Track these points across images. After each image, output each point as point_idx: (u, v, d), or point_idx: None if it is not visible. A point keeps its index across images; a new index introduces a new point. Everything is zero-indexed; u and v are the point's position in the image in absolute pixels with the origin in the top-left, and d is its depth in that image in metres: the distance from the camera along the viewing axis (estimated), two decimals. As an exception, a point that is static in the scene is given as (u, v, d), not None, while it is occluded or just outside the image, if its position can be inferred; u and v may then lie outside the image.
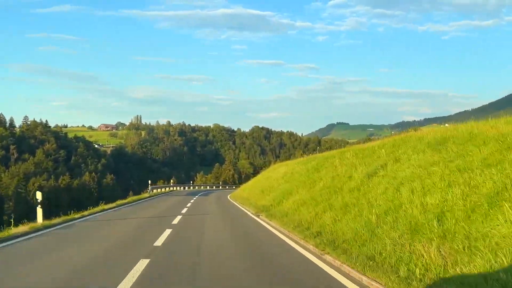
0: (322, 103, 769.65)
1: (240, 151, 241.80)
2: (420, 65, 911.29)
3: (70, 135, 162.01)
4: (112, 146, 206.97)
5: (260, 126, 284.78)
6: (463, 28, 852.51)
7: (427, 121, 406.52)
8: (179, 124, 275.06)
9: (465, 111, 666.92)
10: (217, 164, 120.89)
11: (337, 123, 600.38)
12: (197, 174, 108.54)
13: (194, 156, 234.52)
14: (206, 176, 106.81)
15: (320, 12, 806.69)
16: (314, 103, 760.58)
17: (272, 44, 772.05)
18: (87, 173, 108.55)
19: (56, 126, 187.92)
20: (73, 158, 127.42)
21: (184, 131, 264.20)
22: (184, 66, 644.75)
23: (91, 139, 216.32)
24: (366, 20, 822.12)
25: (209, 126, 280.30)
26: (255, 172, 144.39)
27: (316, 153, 44.82)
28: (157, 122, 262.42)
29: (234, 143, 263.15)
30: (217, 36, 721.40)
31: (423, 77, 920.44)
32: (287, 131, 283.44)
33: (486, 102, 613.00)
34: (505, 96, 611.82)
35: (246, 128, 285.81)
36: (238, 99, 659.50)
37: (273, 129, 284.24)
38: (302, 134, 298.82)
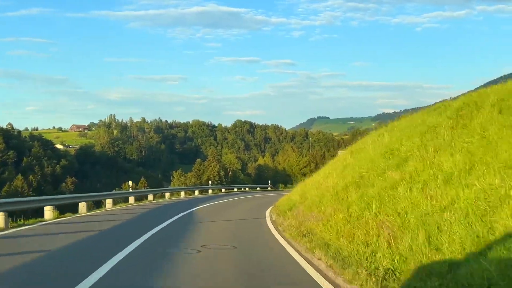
0: (301, 98, 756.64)
1: (222, 147, 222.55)
2: (395, 57, 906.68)
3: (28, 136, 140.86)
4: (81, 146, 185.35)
5: (243, 120, 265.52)
6: (436, 19, 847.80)
7: (406, 112, 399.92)
8: (155, 120, 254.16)
9: (443, 101, 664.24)
10: (198, 160, 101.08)
11: (317, 117, 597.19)
12: (175, 172, 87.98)
13: (173, 154, 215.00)
14: (185, 174, 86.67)
15: (294, 7, 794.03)
16: (292, 99, 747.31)
17: (247, 41, 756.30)
18: (19, 177, 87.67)
19: (25, 129, 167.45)
20: (24, 159, 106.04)
21: (161, 128, 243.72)
22: (158, 65, 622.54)
23: (57, 140, 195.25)
24: (341, 14, 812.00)
25: (188, 122, 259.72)
26: (244, 168, 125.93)
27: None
28: (131, 118, 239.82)
29: (215, 138, 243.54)
30: (191, 34, 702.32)
31: (398, 70, 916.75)
32: (272, 125, 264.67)
33: (461, 92, 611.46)
34: (481, 86, 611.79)
35: (226, 124, 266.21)
36: (215, 97, 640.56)
37: (256, 123, 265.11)
38: (285, 128, 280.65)
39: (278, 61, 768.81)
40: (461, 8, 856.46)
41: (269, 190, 66.67)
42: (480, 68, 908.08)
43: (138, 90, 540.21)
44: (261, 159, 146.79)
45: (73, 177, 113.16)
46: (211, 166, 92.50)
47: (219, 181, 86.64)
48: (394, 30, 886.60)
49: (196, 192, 42.86)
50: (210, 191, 47.87)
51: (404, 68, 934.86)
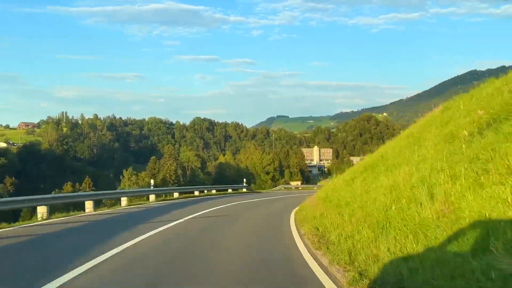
0: (260, 97, 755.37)
1: (180, 145, 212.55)
2: (352, 58, 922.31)
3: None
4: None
5: (202, 117, 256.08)
6: (392, 21, 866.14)
7: (364, 111, 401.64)
8: (108, 118, 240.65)
9: (399, 100, 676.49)
10: (153, 158, 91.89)
11: (277, 116, 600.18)
12: (125, 171, 78.40)
13: (127, 153, 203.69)
14: (138, 174, 77.38)
15: (253, 6, 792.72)
16: (252, 98, 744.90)
17: (206, 39, 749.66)
18: None
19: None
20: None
21: (115, 126, 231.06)
22: (115, 63, 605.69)
23: (1, 138, 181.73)
24: (299, 14, 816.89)
25: (144, 119, 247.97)
26: (204, 167, 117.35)
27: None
28: (82, 115, 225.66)
29: (173, 136, 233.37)
30: (149, 31, 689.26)
31: (356, 70, 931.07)
32: (232, 122, 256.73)
33: (416, 92, 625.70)
34: (435, 86, 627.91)
35: (185, 122, 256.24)
36: (174, 96, 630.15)
37: (216, 121, 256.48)
38: (246, 126, 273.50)
39: (238, 60, 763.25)
40: (416, 10, 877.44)
41: (244, 193, 47.56)
42: (433, 69, 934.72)
43: (93, 88, 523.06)
44: (222, 157, 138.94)
45: (13, 177, 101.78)
46: (167, 164, 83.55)
47: (176, 181, 77.96)
48: (351, 31, 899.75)
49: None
50: (152, 197, 29.64)
51: (361, 69, 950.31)
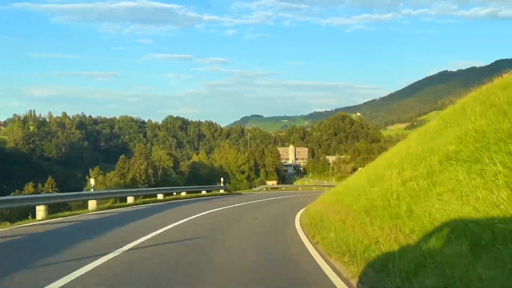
0: (235, 96, 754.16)
1: (152, 144, 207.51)
2: (326, 58, 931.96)
3: None
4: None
5: (175, 115, 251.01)
6: (365, 22, 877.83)
7: (338, 111, 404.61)
8: (77, 116, 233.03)
9: (372, 100, 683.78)
10: (122, 156, 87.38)
11: (251, 115, 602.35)
12: (91, 170, 73.76)
13: (97, 152, 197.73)
14: (105, 174, 72.99)
15: (226, 5, 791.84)
16: (226, 97, 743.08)
17: (180, 38, 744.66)
18: None
19: None
20: None
21: (84, 124, 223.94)
22: (86, 61, 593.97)
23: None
24: (273, 14, 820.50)
25: (115, 118, 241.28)
26: (176, 166, 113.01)
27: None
28: (50, 113, 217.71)
29: (145, 135, 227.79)
30: (120, 30, 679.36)
31: (330, 70, 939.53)
32: (206, 121, 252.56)
33: (389, 92, 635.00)
34: (408, 86, 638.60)
35: (158, 120, 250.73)
36: (147, 95, 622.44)
37: (189, 120, 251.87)
38: (220, 125, 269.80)
39: (212, 59, 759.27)
40: (388, 11, 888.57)
41: (221, 195, 39.09)
42: (406, 69, 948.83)
43: (65, 87, 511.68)
44: (195, 156, 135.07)
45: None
46: (137, 163, 79.30)
47: (146, 181, 73.90)
48: (325, 31, 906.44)
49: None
50: (92, 203, 21.17)
51: (336, 69, 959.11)
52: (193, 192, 37.18)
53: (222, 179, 48.66)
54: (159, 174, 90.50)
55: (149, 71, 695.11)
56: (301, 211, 17.87)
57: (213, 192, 40.22)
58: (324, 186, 70.70)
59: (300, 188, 73.30)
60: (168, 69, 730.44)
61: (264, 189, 71.95)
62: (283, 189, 71.73)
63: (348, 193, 13.47)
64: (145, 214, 17.52)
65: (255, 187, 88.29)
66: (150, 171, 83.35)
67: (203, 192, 38.00)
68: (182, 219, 14.38)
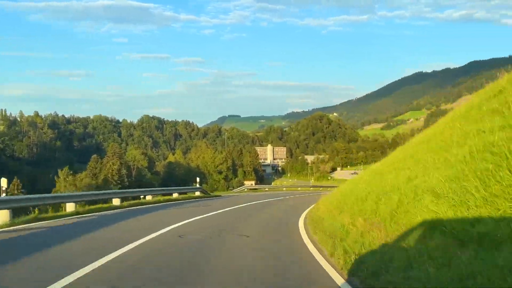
0: (212, 96, 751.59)
1: (127, 144, 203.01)
2: (303, 58, 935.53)
3: None
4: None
5: (151, 115, 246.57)
6: (341, 23, 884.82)
7: (315, 111, 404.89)
8: (50, 115, 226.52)
9: (349, 101, 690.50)
10: (94, 156, 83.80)
11: (228, 115, 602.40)
12: (60, 171, 70.07)
13: (70, 152, 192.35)
14: (75, 174, 69.53)
15: (204, 5, 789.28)
16: (203, 97, 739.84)
17: (157, 37, 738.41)
18: None
19: None
20: None
21: (57, 123, 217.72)
22: (61, 60, 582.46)
23: None
24: (250, 14, 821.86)
25: (89, 117, 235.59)
26: (152, 166, 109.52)
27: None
28: (21, 112, 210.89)
29: (120, 135, 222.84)
30: (97, 29, 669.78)
31: (307, 70, 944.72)
32: (183, 121, 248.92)
33: (365, 93, 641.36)
34: (384, 86, 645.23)
35: (133, 120, 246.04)
36: (123, 95, 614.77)
37: (166, 119, 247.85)
38: (197, 125, 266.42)
39: (189, 59, 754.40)
40: (364, 13, 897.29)
41: (197, 198, 33.00)
42: (382, 70, 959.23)
43: (38, 86, 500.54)
44: (171, 156, 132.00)
45: None
46: (109, 163, 75.99)
47: (119, 181, 70.73)
48: (302, 31, 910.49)
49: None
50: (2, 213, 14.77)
51: (312, 69, 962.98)
52: (164, 195, 30.93)
53: (198, 179, 41.43)
54: (133, 174, 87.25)
55: (125, 70, 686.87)
56: (302, 219, 14.56)
57: (188, 195, 34.05)
58: (310, 187, 67.99)
59: (284, 189, 68.79)
60: (144, 68, 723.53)
61: (246, 190, 65.73)
62: (266, 190, 65.97)
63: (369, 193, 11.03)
64: (62, 236, 10.75)
65: (233, 187, 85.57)
66: (124, 171, 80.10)
67: (175, 195, 31.22)
68: (120, 249, 8.06)
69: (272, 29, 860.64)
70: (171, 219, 14.20)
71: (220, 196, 40.84)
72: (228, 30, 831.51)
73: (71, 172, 68.51)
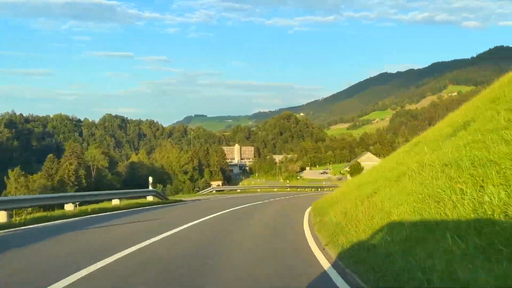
0: (178, 96, 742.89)
1: (89, 144, 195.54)
2: (270, 58, 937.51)
3: None
4: None
5: (113, 114, 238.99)
6: (307, 23, 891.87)
7: (282, 111, 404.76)
8: (7, 113, 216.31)
9: (315, 101, 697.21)
10: (50, 155, 78.18)
11: (194, 115, 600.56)
12: (10, 171, 64.43)
13: (29, 152, 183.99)
14: (29, 175, 64.16)
15: (168, 3, 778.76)
16: (169, 96, 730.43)
17: (120, 36, 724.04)
18: None
19: None
20: None
21: (14, 122, 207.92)
22: (19, 58, 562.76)
23: None
24: (216, 13, 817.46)
25: (48, 116, 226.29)
26: (114, 166, 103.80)
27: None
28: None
29: (81, 134, 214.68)
30: (57, 26, 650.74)
31: (273, 70, 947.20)
32: (147, 120, 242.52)
33: (331, 93, 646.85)
34: (350, 87, 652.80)
35: (96, 119, 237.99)
36: (85, 94, 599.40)
37: (129, 118, 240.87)
38: (162, 124, 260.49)
39: (154, 58, 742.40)
40: (330, 14, 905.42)
41: (148, 205, 22.28)
42: (348, 70, 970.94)
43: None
44: (134, 156, 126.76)
45: None
46: (66, 163, 70.75)
47: (76, 182, 65.68)
48: (268, 31, 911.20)
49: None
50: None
51: (279, 69, 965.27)
52: (86, 202, 22.06)
53: (151, 179, 29.14)
54: (93, 175, 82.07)
55: (87, 69, 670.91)
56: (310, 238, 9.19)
57: (137, 202, 23.18)
58: (287, 187, 62.84)
59: (259, 190, 58.08)
60: (108, 67, 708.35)
61: (214, 192, 53.27)
62: (237, 191, 53.76)
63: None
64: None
65: (199, 188, 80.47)
66: (82, 171, 74.93)
67: (115, 203, 21.11)
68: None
69: (239, 29, 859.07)
70: (79, 258, 6.93)
71: (181, 201, 29.32)
72: (194, 29, 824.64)
73: (23, 172, 62.99)
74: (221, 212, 16.65)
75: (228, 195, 44.48)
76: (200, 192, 56.61)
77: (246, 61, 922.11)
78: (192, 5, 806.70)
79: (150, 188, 27.42)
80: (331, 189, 43.76)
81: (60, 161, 78.14)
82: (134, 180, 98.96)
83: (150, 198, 25.49)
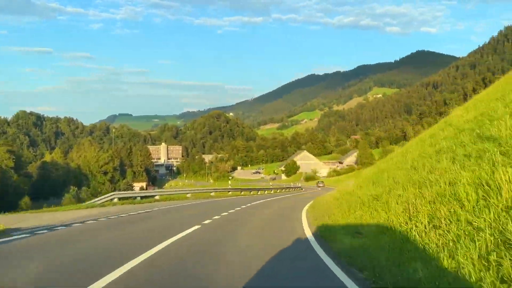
0: (101, 94, 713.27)
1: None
2: (198, 58, 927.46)
3: None
4: None
5: (29, 111, 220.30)
6: (236, 23, 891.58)
7: (211, 111, 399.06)
8: None
9: (245, 101, 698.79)
10: None
11: (119, 114, 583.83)
12: None
13: None
14: None
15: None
16: (91, 95, 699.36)
17: (40, 30, 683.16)
18: None
19: None
20: None
21: None
22: None
23: None
24: (143, 10, 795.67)
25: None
26: (21, 166, 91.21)
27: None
28: None
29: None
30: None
31: (202, 70, 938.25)
32: (65, 118, 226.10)
33: (260, 93, 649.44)
34: (278, 88, 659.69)
35: (8, 115, 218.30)
36: (0, 90, 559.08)
37: (46, 115, 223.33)
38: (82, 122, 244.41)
39: (76, 54, 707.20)
40: (259, 15, 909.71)
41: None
42: (276, 71, 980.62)
43: None
44: (48, 156, 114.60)
45: None
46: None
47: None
48: (197, 31, 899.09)
49: None
50: None
51: (208, 69, 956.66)
52: None
53: None
54: (-5, 176, 70.64)
55: (3, 64, 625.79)
56: None
57: None
58: (229, 191, 41.39)
59: (188, 195, 34.99)
60: (25, 63, 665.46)
61: (116, 199, 27.02)
62: (156, 199, 28.71)
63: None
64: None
65: (119, 189, 67.86)
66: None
67: None
68: None
69: (166, 27, 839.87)
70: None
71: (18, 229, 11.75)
72: (119, 26, 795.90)
73: None
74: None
75: (139, 205, 23.39)
76: (92, 202, 26.52)
77: (174, 60, 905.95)
78: (117, 0, 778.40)
79: None
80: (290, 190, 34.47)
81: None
82: (46, 182, 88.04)
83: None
